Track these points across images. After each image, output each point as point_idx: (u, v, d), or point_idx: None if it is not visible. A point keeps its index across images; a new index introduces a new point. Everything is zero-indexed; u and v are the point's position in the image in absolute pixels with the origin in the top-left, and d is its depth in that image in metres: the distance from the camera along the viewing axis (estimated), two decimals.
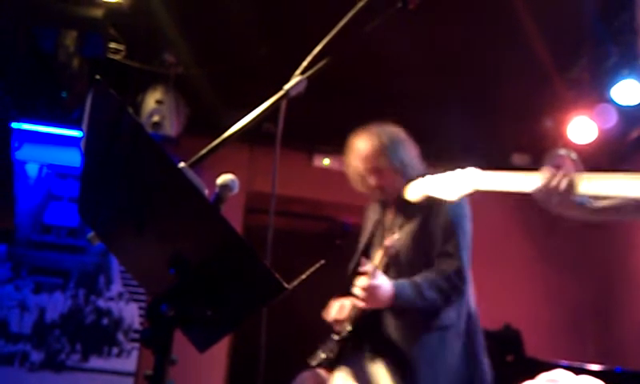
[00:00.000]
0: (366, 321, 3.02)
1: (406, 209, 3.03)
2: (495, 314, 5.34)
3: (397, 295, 2.82)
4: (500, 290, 6.19)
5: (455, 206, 2.96)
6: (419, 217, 3.02)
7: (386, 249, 2.97)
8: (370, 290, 2.80)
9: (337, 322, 3.13)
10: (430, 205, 2.93)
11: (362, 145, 3.17)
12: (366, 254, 3.23)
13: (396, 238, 2.96)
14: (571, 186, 2.13)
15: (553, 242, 6.40)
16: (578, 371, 2.69)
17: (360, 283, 2.84)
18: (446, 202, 2.48)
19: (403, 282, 2.88)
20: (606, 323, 6.21)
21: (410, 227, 3.04)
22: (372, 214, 3.36)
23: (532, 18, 4.51)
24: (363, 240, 3.32)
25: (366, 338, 3.06)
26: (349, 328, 3.07)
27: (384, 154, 3.10)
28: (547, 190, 2.16)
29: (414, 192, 2.55)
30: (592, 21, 4.66)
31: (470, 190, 2.35)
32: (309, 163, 6.35)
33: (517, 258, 6.50)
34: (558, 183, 2.14)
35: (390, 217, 3.22)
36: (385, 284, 2.83)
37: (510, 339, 4.79)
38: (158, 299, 1.45)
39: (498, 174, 2.26)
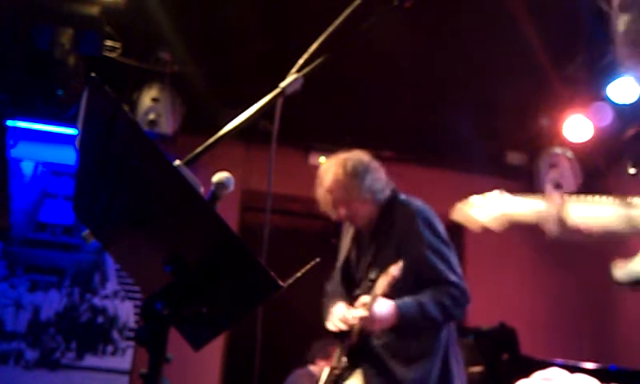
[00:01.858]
0: (359, 343, 3.01)
1: (380, 233, 3.08)
2: (490, 312, 5.35)
3: (401, 314, 2.83)
4: (495, 289, 6.20)
5: (423, 219, 2.99)
6: (394, 240, 3.02)
7: (393, 277, 2.88)
8: (370, 319, 2.82)
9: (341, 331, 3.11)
10: (405, 226, 2.97)
11: (328, 177, 3.15)
12: (347, 271, 3.26)
13: (401, 265, 2.90)
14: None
15: (548, 240, 6.39)
16: (573, 369, 2.70)
17: (357, 314, 2.86)
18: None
19: (407, 300, 2.88)
20: (601, 322, 6.22)
21: (387, 252, 3.02)
22: (348, 231, 3.36)
23: (528, 17, 4.52)
24: (342, 256, 3.32)
25: (359, 358, 3.04)
26: (344, 359, 3.06)
27: (349, 187, 3.08)
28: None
29: (459, 215, 2.58)
30: (588, 19, 4.66)
31: (498, 213, 2.39)
32: (305, 161, 6.34)
33: (512, 257, 6.51)
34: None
35: (365, 239, 3.22)
36: (385, 308, 2.83)
37: (505, 338, 4.79)
38: (153, 297, 1.45)
39: (524, 199, 2.29)
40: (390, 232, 3.04)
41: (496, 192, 2.46)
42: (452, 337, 3.05)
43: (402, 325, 2.85)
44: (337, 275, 3.32)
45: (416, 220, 2.98)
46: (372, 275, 2.98)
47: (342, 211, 3.12)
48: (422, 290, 2.92)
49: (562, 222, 2.20)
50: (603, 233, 2.30)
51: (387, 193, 3.13)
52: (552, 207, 2.25)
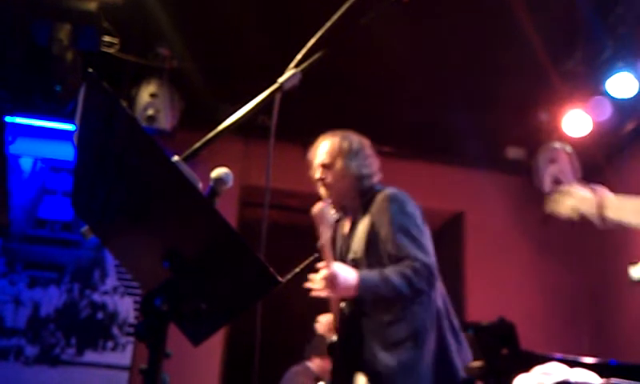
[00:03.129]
0: (346, 332, 3.01)
1: (357, 221, 3.09)
2: (490, 307, 5.37)
3: (361, 280, 2.80)
4: (494, 283, 6.21)
5: (394, 200, 2.99)
6: (366, 220, 3.03)
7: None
8: (330, 278, 2.78)
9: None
10: (377, 209, 2.98)
11: (323, 142, 3.23)
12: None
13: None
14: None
15: (547, 235, 6.41)
16: (572, 364, 2.71)
17: (318, 275, 2.84)
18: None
19: (369, 271, 2.87)
20: (600, 316, 6.23)
21: (360, 233, 3.05)
22: (339, 226, 3.36)
23: (527, 12, 4.52)
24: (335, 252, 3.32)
25: (347, 349, 3.04)
26: (334, 338, 3.07)
27: (340, 156, 3.14)
28: None
29: (558, 204, 2.62)
30: (587, 14, 4.66)
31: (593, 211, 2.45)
32: (303, 157, 6.32)
33: (512, 252, 6.51)
34: None
35: (346, 224, 3.23)
36: (346, 271, 2.82)
37: (504, 332, 4.79)
38: (152, 293, 1.44)
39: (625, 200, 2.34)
40: (365, 217, 3.05)
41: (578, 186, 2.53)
42: (444, 311, 3.01)
43: (364, 293, 2.82)
44: None
45: (387, 202, 2.98)
46: (350, 258, 3.00)
47: (320, 174, 3.16)
48: None
49: (602, 217, 2.27)
50: None
51: (371, 182, 3.14)
52: (594, 202, 2.32)
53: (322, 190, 3.19)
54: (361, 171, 3.13)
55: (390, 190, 3.07)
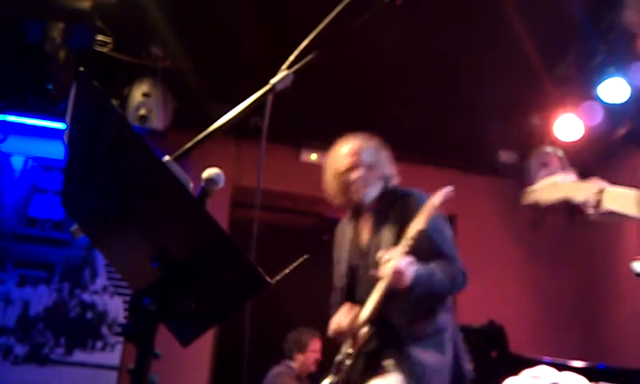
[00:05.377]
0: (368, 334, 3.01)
1: (383, 213, 3.11)
2: (479, 309, 5.37)
3: (416, 274, 2.84)
4: (484, 286, 6.22)
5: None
6: (396, 224, 3.04)
7: (413, 238, 2.91)
8: (403, 271, 2.80)
9: (340, 333, 3.09)
10: (407, 209, 2.99)
11: (348, 143, 3.22)
12: (353, 272, 3.23)
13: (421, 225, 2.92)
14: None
15: (537, 238, 6.44)
16: (561, 368, 2.72)
17: (392, 265, 2.82)
18: None
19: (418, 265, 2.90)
20: (590, 320, 6.25)
21: (389, 231, 3.05)
22: (344, 233, 3.34)
23: (520, 16, 4.53)
24: (342, 259, 3.29)
25: (370, 350, 3.04)
26: (349, 350, 3.06)
27: (368, 155, 3.17)
28: None
29: (545, 192, 2.64)
30: (579, 19, 4.68)
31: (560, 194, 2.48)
32: (296, 158, 6.35)
33: (501, 255, 6.53)
34: None
35: (365, 224, 3.22)
36: (406, 261, 2.84)
37: (493, 335, 4.81)
38: (141, 293, 1.44)
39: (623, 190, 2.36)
40: (393, 217, 3.07)
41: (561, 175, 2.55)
42: (453, 320, 3.10)
43: (416, 286, 2.85)
44: (340, 283, 3.28)
45: (418, 203, 3.02)
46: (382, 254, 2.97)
47: (355, 174, 3.13)
48: None
49: (597, 207, 2.30)
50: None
51: (394, 183, 3.22)
52: (590, 191, 2.34)
53: (351, 190, 3.17)
54: (386, 172, 3.20)
55: (416, 191, 3.14)
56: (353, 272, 3.23)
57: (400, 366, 2.92)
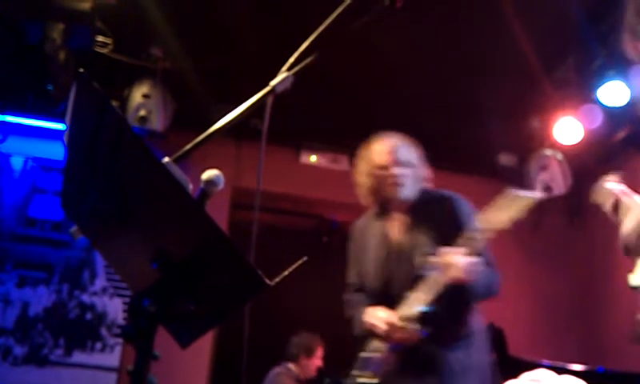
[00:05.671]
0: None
1: (417, 213, 3.13)
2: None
3: (479, 276, 2.93)
4: None
5: (465, 208, 3.10)
6: (432, 222, 3.07)
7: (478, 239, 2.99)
8: (473, 268, 2.86)
9: (391, 328, 3.01)
10: (442, 210, 3.06)
11: (386, 141, 3.23)
12: (384, 270, 3.17)
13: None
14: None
15: (536, 241, 6.43)
16: (561, 371, 2.71)
17: (463, 258, 2.85)
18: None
19: None
20: (589, 323, 6.25)
21: (425, 231, 3.06)
22: (366, 232, 3.30)
23: (519, 19, 4.53)
24: (367, 257, 3.24)
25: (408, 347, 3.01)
26: (379, 346, 3.02)
27: (407, 153, 3.20)
28: None
29: (604, 194, 2.73)
30: (579, 22, 4.68)
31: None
32: (296, 160, 6.35)
33: (500, 257, 6.50)
34: None
35: (396, 223, 3.20)
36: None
37: (492, 338, 4.80)
38: (141, 294, 1.44)
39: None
40: (429, 218, 3.10)
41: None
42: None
43: (476, 287, 2.94)
44: (365, 280, 3.23)
45: (461, 204, 3.11)
46: (428, 252, 2.97)
47: (397, 170, 3.13)
48: None
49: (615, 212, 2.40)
50: None
51: (426, 183, 3.26)
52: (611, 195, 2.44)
53: (388, 185, 3.16)
54: (423, 173, 3.25)
55: (455, 195, 3.20)
56: (383, 270, 3.17)
57: (441, 365, 2.95)
